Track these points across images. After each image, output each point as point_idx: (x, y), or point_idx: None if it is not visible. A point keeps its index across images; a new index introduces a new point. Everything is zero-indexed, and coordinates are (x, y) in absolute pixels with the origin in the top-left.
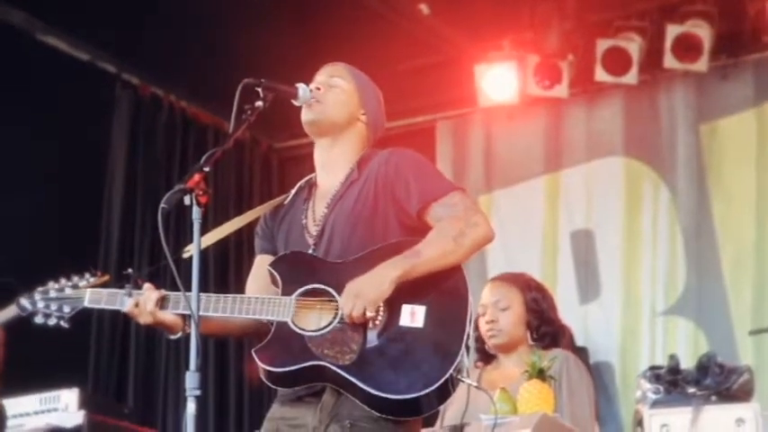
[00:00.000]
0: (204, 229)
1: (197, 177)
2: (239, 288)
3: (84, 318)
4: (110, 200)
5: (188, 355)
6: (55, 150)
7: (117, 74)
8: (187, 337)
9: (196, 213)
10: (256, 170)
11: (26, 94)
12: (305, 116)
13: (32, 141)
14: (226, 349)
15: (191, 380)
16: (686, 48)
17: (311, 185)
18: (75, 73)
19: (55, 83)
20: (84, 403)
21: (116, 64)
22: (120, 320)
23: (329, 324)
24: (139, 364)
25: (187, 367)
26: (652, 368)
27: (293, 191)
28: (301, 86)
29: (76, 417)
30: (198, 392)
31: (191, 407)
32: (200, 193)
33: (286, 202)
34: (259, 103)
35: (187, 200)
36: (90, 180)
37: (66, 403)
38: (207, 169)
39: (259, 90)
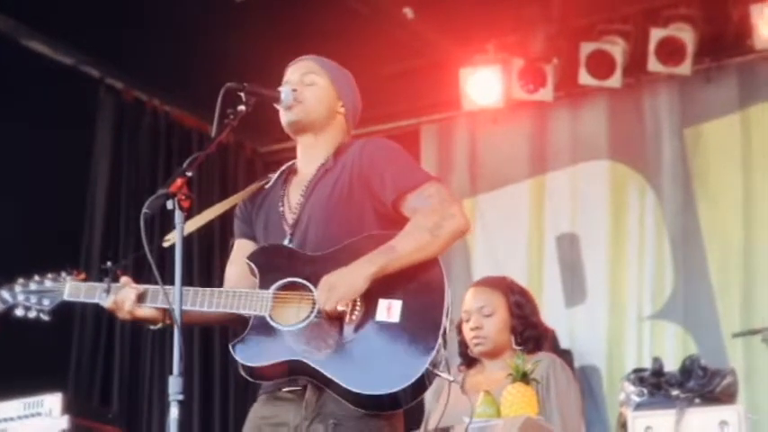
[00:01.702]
0: (189, 237)
1: (179, 182)
2: (223, 277)
3: (66, 321)
4: (93, 204)
5: (173, 358)
6: (38, 155)
7: (100, 78)
8: (172, 341)
9: (179, 218)
10: (241, 174)
11: (9, 98)
12: (285, 117)
13: (16, 145)
14: (211, 351)
15: (174, 384)
16: (670, 51)
17: (290, 172)
18: (58, 77)
19: (38, 87)
20: (68, 408)
21: (99, 69)
22: (104, 324)
23: (306, 319)
24: (124, 368)
25: (172, 371)
26: (636, 371)
27: (275, 175)
28: (284, 90)
29: (60, 421)
30: (181, 397)
31: (174, 412)
32: (183, 197)
33: (266, 187)
34: (242, 108)
35: (170, 204)
36: (74, 184)
37: (50, 408)
38: (189, 174)
39: (242, 94)
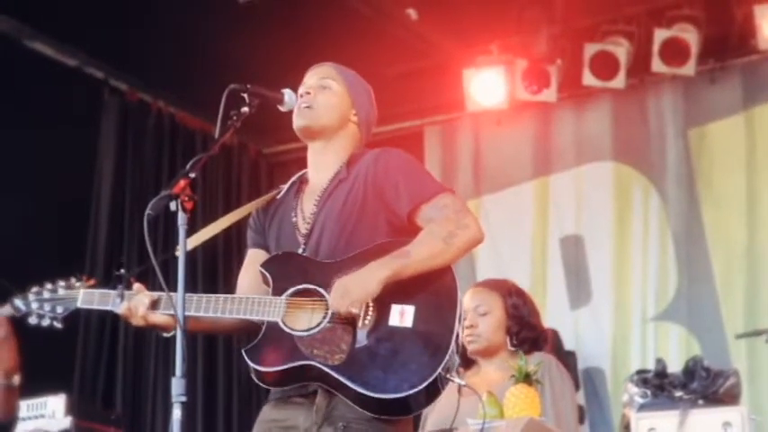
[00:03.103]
0: (192, 235)
1: (182, 183)
2: (228, 285)
3: (71, 323)
4: (98, 205)
5: (176, 360)
6: (43, 156)
7: (105, 80)
8: (175, 343)
9: (182, 219)
10: (245, 175)
11: (14, 99)
12: (297, 121)
13: (20, 147)
14: (214, 354)
15: (177, 386)
16: (674, 52)
17: (302, 181)
18: (62, 79)
19: (42, 89)
20: (71, 409)
21: (104, 70)
22: (108, 326)
23: (319, 324)
24: (127, 370)
25: (175, 373)
26: (639, 372)
27: (286, 186)
28: (287, 92)
29: (63, 423)
30: (184, 399)
31: (177, 413)
32: (186, 198)
33: (278, 197)
34: (245, 109)
35: (173, 206)
36: (78, 186)
37: (53, 409)
38: (193, 175)
39: (245, 96)
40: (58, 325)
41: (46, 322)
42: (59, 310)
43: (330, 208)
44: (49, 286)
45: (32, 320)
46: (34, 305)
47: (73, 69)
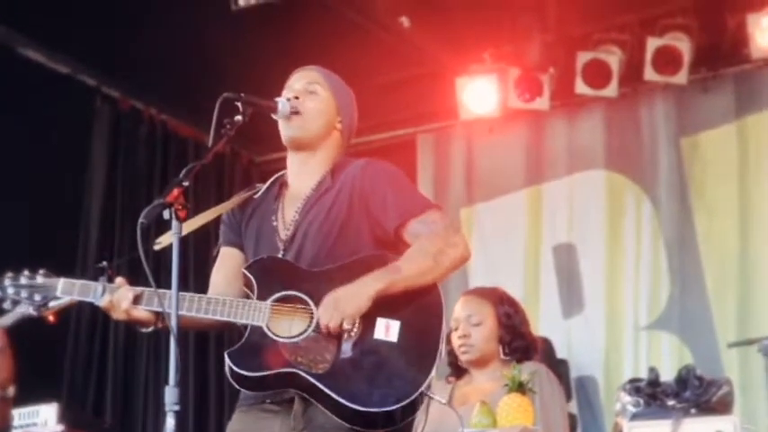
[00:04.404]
0: (185, 242)
1: (176, 192)
2: None
3: (61, 330)
4: (89, 213)
5: (168, 368)
6: (34, 163)
7: (97, 87)
8: (167, 350)
9: (175, 228)
10: (237, 184)
11: (5, 107)
12: (286, 131)
13: (12, 154)
14: (206, 363)
15: (169, 395)
16: (666, 61)
17: (282, 184)
18: (54, 86)
19: (34, 96)
20: (63, 418)
21: (96, 77)
22: (99, 334)
23: (304, 332)
24: (118, 378)
25: (167, 381)
26: (632, 381)
27: (264, 186)
28: (281, 101)
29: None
30: (177, 407)
31: (170, 422)
32: (180, 207)
33: (256, 197)
34: (238, 118)
35: (166, 214)
36: (69, 193)
37: (45, 418)
38: (186, 183)
39: (238, 104)
40: (33, 312)
41: (22, 308)
42: (37, 297)
43: (314, 216)
44: (26, 273)
45: (7, 306)
46: (10, 290)
47: (65, 77)
